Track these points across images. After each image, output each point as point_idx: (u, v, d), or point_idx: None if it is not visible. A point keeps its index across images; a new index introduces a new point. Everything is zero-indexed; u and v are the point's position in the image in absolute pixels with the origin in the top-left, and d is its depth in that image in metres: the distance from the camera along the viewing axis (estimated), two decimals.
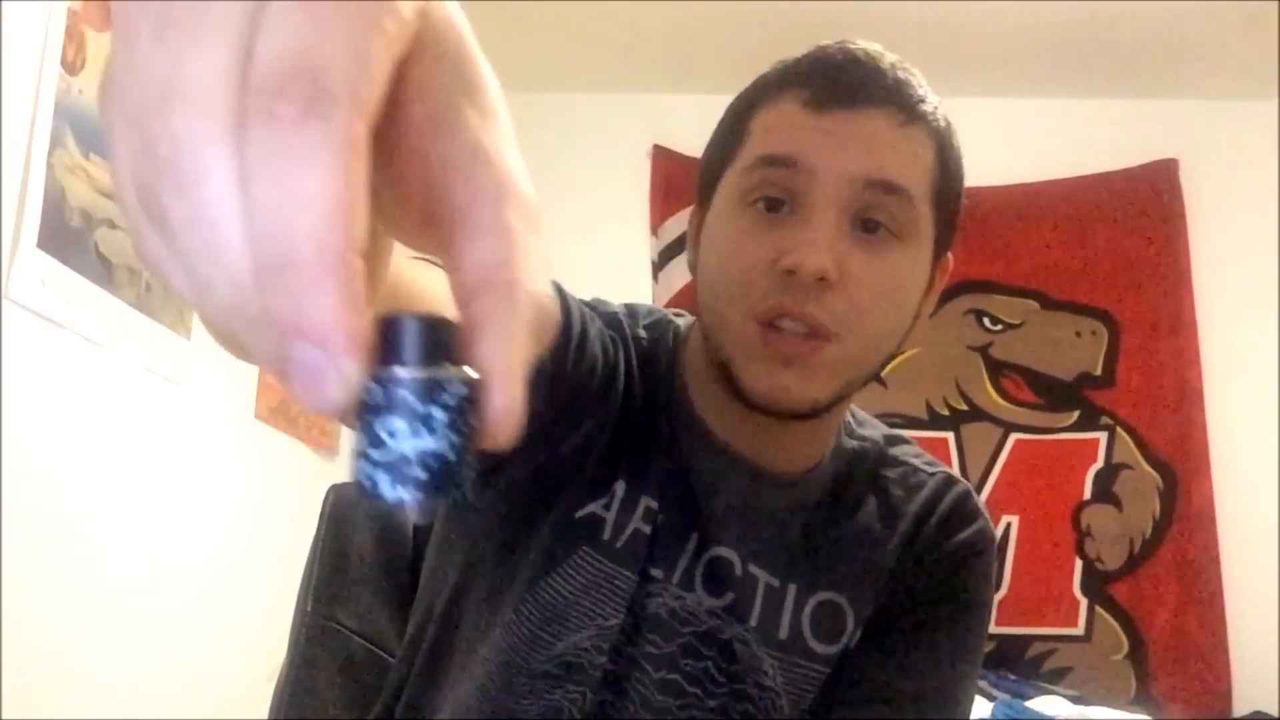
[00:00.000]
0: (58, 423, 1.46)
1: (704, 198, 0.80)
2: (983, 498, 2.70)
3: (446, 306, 0.28)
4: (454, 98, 0.28)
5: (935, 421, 2.82)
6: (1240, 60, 2.74)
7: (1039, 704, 2.31)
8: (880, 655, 0.81)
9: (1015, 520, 2.76)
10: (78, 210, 1.45)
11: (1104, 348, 2.84)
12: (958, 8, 2.57)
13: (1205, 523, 2.73)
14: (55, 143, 1.40)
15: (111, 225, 1.54)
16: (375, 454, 0.26)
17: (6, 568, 1.33)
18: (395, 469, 0.26)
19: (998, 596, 2.71)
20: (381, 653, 1.01)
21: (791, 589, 0.80)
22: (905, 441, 0.89)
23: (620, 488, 0.78)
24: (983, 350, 2.85)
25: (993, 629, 2.84)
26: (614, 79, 2.91)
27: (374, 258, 0.34)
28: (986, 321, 2.87)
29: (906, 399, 2.82)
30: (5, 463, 1.32)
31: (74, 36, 1.43)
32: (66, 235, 1.43)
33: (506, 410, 0.26)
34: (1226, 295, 2.84)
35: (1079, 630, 2.71)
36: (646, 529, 0.78)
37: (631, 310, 0.84)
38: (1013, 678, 2.53)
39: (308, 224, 0.23)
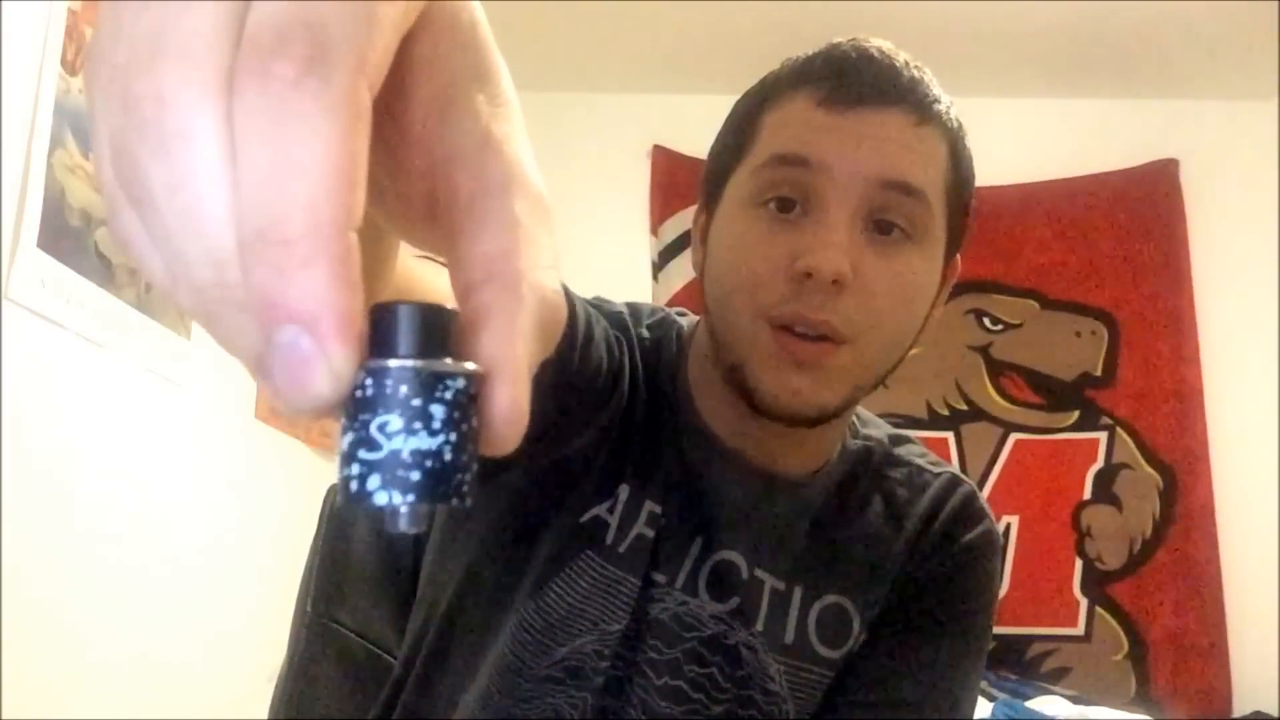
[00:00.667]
0: (58, 423, 1.46)
1: (710, 197, 0.78)
2: (982, 498, 2.75)
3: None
4: (464, 82, 0.26)
5: (935, 421, 2.82)
6: (1240, 60, 2.74)
7: (1039, 704, 2.31)
8: (885, 657, 0.81)
9: (1015, 520, 2.76)
10: (78, 210, 1.45)
11: (1104, 348, 2.84)
12: (958, 8, 2.57)
13: (1205, 523, 2.73)
14: (55, 143, 1.39)
15: None
16: (365, 454, 0.23)
17: (6, 567, 1.33)
18: (388, 471, 0.23)
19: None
20: (381, 653, 1.01)
21: (798, 592, 0.79)
22: (910, 441, 0.89)
23: (624, 491, 0.77)
24: (983, 350, 2.85)
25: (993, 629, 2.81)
26: (614, 79, 2.91)
27: (375, 253, 0.33)
28: (986, 321, 2.86)
29: (906, 399, 2.82)
30: (5, 463, 1.32)
31: (74, 36, 1.43)
32: (66, 235, 1.43)
33: (511, 409, 0.24)
34: (1226, 295, 2.84)
35: (1079, 630, 2.71)
36: (650, 533, 0.76)
37: (634, 309, 0.83)
38: (1013, 678, 2.53)
39: (301, 193, 0.21)
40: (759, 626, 0.78)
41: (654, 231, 2.91)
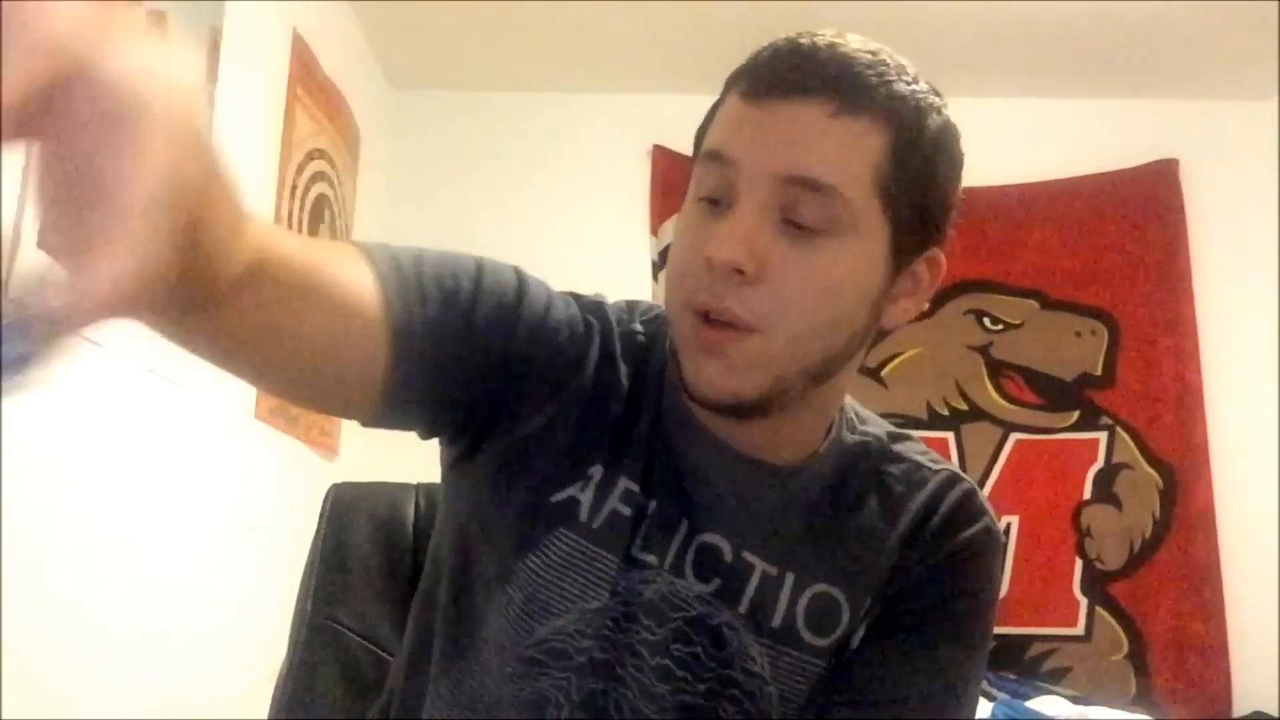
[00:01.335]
0: (58, 423, 1.46)
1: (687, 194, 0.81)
2: (983, 495, 2.74)
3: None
4: None
5: (935, 421, 2.82)
6: (1240, 60, 2.74)
7: (1039, 704, 2.31)
8: (884, 655, 0.81)
9: (1015, 520, 2.76)
10: None
11: (1104, 348, 2.84)
12: (958, 8, 2.57)
13: (1205, 523, 2.73)
14: None
15: None
16: None
17: (6, 567, 1.33)
18: None
19: None
20: (381, 652, 1.01)
21: (789, 578, 0.80)
22: (909, 438, 0.89)
23: (598, 471, 0.78)
24: (983, 350, 2.85)
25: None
26: (614, 79, 2.91)
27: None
28: (986, 321, 2.87)
29: (906, 399, 2.82)
30: (5, 463, 1.32)
31: None
32: None
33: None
34: (1226, 295, 2.84)
35: (1079, 630, 2.71)
36: (626, 510, 0.78)
37: (631, 306, 0.85)
38: (1013, 678, 2.53)
39: None
40: (742, 608, 0.79)
41: (654, 231, 2.91)
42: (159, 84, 0.37)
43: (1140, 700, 2.60)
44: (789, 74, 0.71)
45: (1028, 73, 2.85)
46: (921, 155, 0.73)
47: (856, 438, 0.85)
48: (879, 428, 0.88)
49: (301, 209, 2.35)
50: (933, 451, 0.88)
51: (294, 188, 2.30)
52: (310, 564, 1.04)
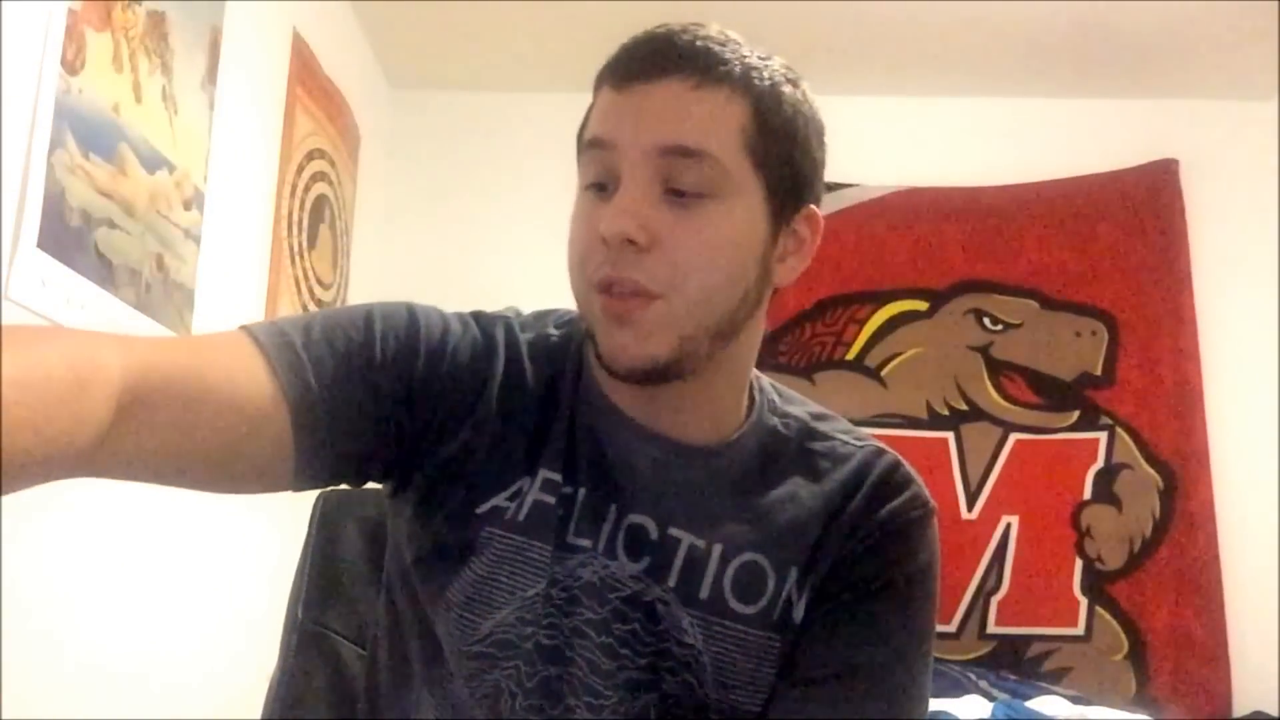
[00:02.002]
0: None
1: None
2: (983, 498, 2.76)
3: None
4: None
5: (935, 421, 2.82)
6: (1240, 60, 2.74)
7: (1039, 704, 2.31)
8: (828, 632, 0.83)
9: (1015, 520, 2.76)
10: (78, 210, 1.45)
11: (1104, 348, 2.84)
12: (958, 8, 2.57)
13: (1205, 523, 2.73)
14: (55, 143, 1.39)
15: (111, 225, 1.54)
16: None
17: (6, 568, 1.33)
18: None
19: (998, 597, 2.71)
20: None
21: (716, 549, 0.83)
22: (833, 418, 0.92)
23: (524, 481, 0.82)
24: (983, 350, 2.85)
25: (993, 629, 2.84)
26: None
27: None
28: (986, 321, 2.86)
29: (906, 399, 2.82)
30: None
31: (74, 36, 1.43)
32: (66, 235, 1.42)
33: None
34: (1226, 295, 2.84)
35: (1079, 630, 2.71)
36: (550, 499, 0.82)
37: (544, 314, 0.91)
38: (1013, 678, 2.53)
39: None
40: (671, 582, 0.82)
41: None
42: None
43: (1140, 700, 2.60)
44: (650, 58, 0.78)
45: (1028, 73, 2.85)
46: (782, 117, 0.79)
47: (778, 419, 0.89)
48: (801, 408, 0.92)
49: (301, 209, 2.35)
50: (857, 430, 0.91)
51: (294, 188, 2.30)
52: (300, 570, 1.04)
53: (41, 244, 1.37)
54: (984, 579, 2.73)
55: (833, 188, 2.87)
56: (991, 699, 2.32)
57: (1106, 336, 2.84)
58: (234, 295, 2.02)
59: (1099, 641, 2.70)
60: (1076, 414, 2.81)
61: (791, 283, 0.85)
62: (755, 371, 0.90)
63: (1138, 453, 2.78)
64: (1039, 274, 2.87)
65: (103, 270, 1.52)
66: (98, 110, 1.50)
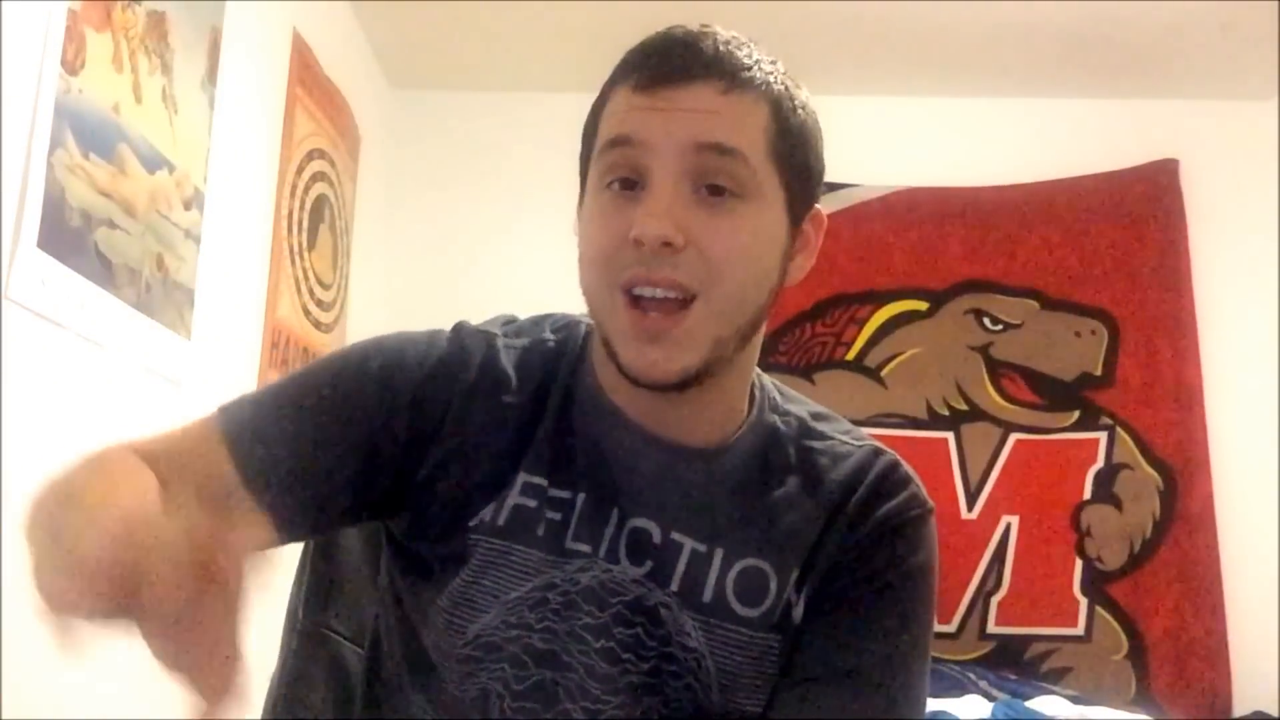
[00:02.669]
0: (58, 423, 1.46)
1: (581, 187, 0.86)
2: (983, 498, 2.76)
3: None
4: None
5: (935, 421, 2.82)
6: (1240, 60, 2.74)
7: (1039, 704, 2.31)
8: (826, 633, 0.83)
9: (1015, 520, 2.76)
10: (78, 210, 1.45)
11: (1104, 348, 2.84)
12: (958, 8, 2.57)
13: (1205, 523, 2.73)
14: (55, 143, 1.39)
15: (111, 225, 1.54)
16: None
17: (6, 568, 1.33)
18: None
19: (998, 597, 2.71)
20: None
21: (718, 553, 0.83)
22: (832, 418, 0.92)
23: (499, 479, 0.83)
24: (983, 350, 2.85)
25: (993, 629, 2.83)
26: None
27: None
28: (986, 321, 2.86)
29: (906, 399, 2.82)
30: (5, 463, 1.32)
31: (74, 36, 1.43)
32: (66, 235, 1.43)
33: None
34: (1226, 295, 2.84)
35: (1079, 630, 2.71)
36: (531, 503, 0.83)
37: (541, 319, 0.91)
38: (1013, 678, 2.52)
39: None
40: (674, 586, 0.82)
41: None
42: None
43: (1140, 700, 2.60)
44: (677, 63, 0.79)
45: (1028, 73, 2.85)
46: (798, 120, 0.82)
47: (777, 417, 0.89)
48: (801, 407, 0.92)
49: (301, 209, 2.35)
50: (857, 430, 0.92)
51: (294, 188, 2.30)
52: (301, 571, 1.04)
53: (41, 244, 1.37)
54: (984, 579, 2.73)
55: (833, 188, 2.86)
56: (991, 699, 2.32)
57: (1106, 336, 2.84)
58: (234, 295, 2.02)
59: (1099, 641, 2.70)
60: (1076, 414, 2.81)
61: (797, 282, 0.86)
62: (756, 369, 0.90)
63: (1138, 453, 2.78)
64: (1039, 274, 2.87)
65: (103, 270, 1.52)
66: (98, 110, 1.50)
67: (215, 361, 1.93)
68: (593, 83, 0.87)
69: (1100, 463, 2.79)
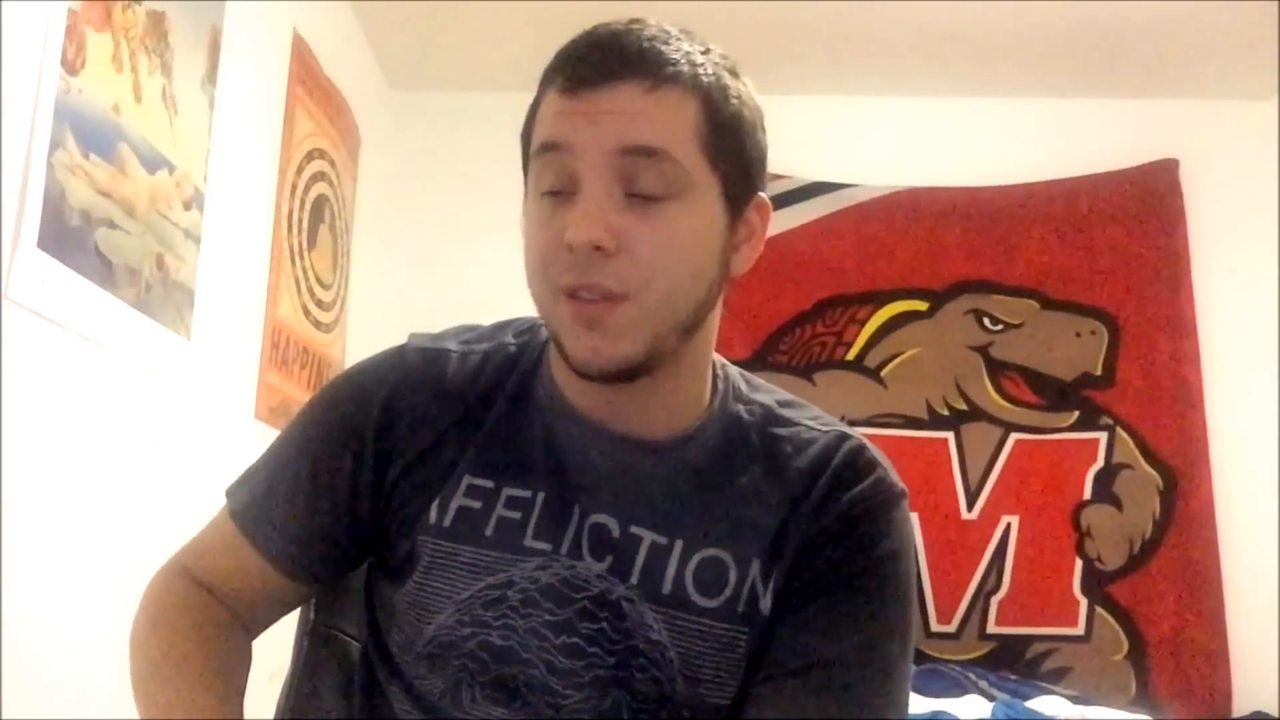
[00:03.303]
0: (58, 423, 1.46)
1: (525, 193, 0.88)
2: (983, 498, 2.76)
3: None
4: None
5: (935, 421, 2.82)
6: (1240, 60, 2.74)
7: (1039, 704, 2.31)
8: (797, 624, 0.82)
9: (1015, 520, 2.76)
10: (78, 210, 1.45)
11: (1104, 348, 2.84)
12: (957, 8, 2.57)
13: (1205, 523, 2.73)
14: (55, 143, 1.39)
15: (111, 225, 1.54)
16: None
17: (6, 568, 1.33)
18: None
19: (998, 597, 2.71)
20: None
21: (678, 545, 0.84)
22: (800, 405, 0.92)
23: (444, 482, 0.86)
24: (983, 350, 2.85)
25: (993, 629, 2.83)
26: None
27: None
28: (986, 321, 2.86)
29: (906, 399, 2.82)
30: (5, 463, 1.32)
31: (74, 36, 1.43)
32: (66, 235, 1.43)
33: None
34: (1226, 295, 2.84)
35: (1079, 630, 2.71)
36: (475, 505, 0.85)
37: (504, 324, 0.94)
38: (1013, 678, 2.52)
39: None
40: (634, 580, 0.83)
41: None
42: None
43: (1140, 700, 2.60)
44: (602, 63, 0.79)
45: (1028, 73, 2.85)
46: (732, 113, 0.81)
47: (741, 406, 0.89)
48: (769, 395, 0.92)
49: (301, 209, 2.35)
50: (825, 415, 0.91)
51: (294, 188, 2.30)
52: None
53: (41, 244, 1.37)
54: (984, 579, 2.73)
55: (833, 188, 2.86)
56: (991, 699, 2.32)
57: (1106, 336, 2.84)
58: (234, 295, 2.02)
59: (1099, 641, 2.70)
60: (1076, 414, 2.81)
61: (745, 271, 0.86)
62: (721, 359, 0.91)
63: (1138, 453, 2.78)
64: (1039, 274, 2.87)
65: (103, 270, 1.52)
66: (98, 110, 1.50)
67: (215, 361, 1.93)
68: None
69: (1100, 463, 2.79)
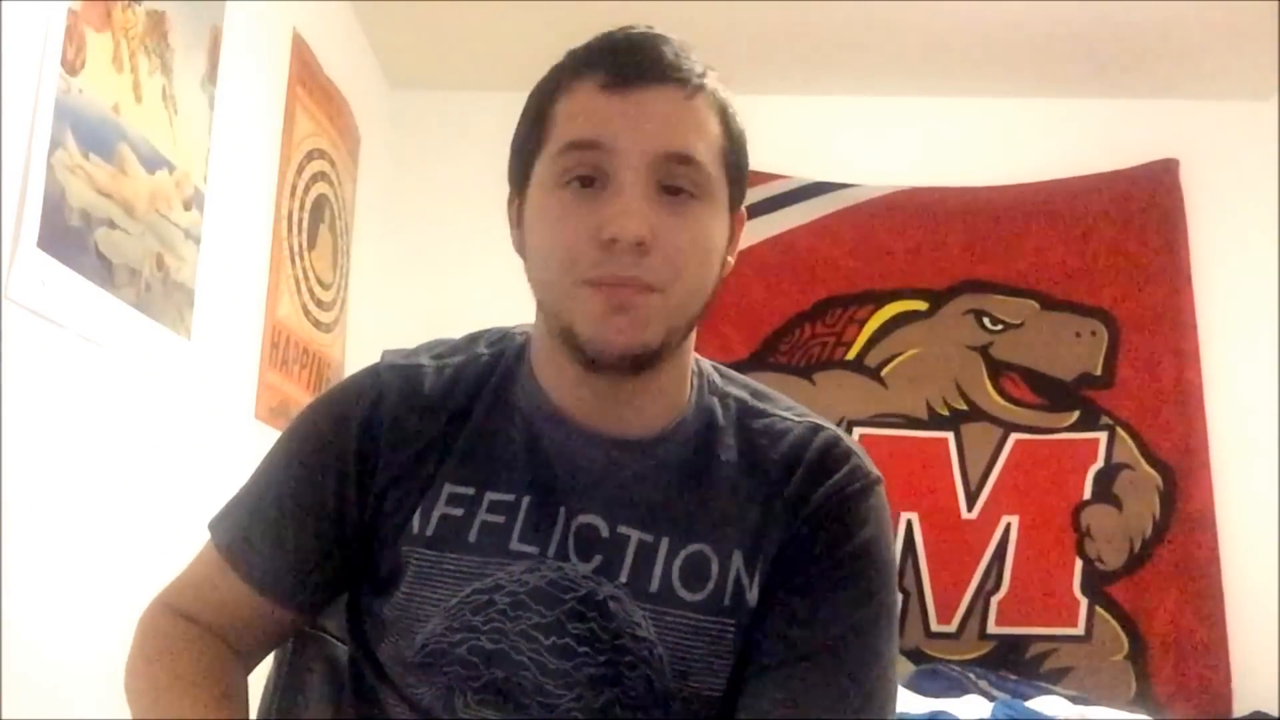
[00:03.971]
0: (58, 423, 1.46)
1: (519, 184, 0.88)
2: (983, 498, 2.76)
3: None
4: None
5: (935, 421, 2.82)
6: (1240, 60, 2.74)
7: (1039, 704, 2.30)
8: (782, 615, 0.84)
9: (1015, 520, 2.76)
10: (78, 210, 1.45)
11: (1104, 348, 2.84)
12: (957, 8, 2.57)
13: (1205, 523, 2.73)
14: (55, 143, 1.39)
15: (111, 225, 1.54)
16: None
17: (6, 568, 1.33)
18: None
19: (998, 597, 2.71)
20: None
21: (664, 542, 0.85)
22: (774, 396, 0.94)
23: (424, 492, 0.87)
24: (983, 350, 2.85)
25: (993, 629, 2.83)
26: None
27: None
28: (986, 321, 2.86)
29: (906, 399, 2.82)
30: (5, 463, 1.32)
31: (74, 36, 1.43)
32: (66, 235, 1.43)
33: None
34: (1226, 295, 2.84)
35: (1079, 630, 2.71)
36: (457, 512, 0.86)
37: (476, 336, 0.96)
38: (1013, 678, 2.52)
39: None
40: (623, 579, 0.84)
41: None
42: None
43: (1140, 700, 2.60)
44: (646, 64, 0.82)
45: (1028, 73, 2.85)
46: (738, 129, 0.86)
47: (717, 400, 0.91)
48: (742, 388, 0.94)
49: (301, 209, 2.35)
50: (800, 406, 0.93)
51: (294, 188, 2.30)
52: None
53: (41, 244, 1.37)
54: (984, 579, 2.73)
55: (833, 188, 2.86)
56: (991, 699, 2.32)
57: (1106, 336, 2.84)
58: (234, 295, 2.02)
59: (1099, 641, 2.70)
60: (1076, 414, 2.81)
61: (724, 276, 0.90)
62: (695, 355, 0.92)
63: (1138, 453, 2.78)
64: (1039, 274, 2.87)
65: (103, 270, 1.52)
66: (98, 110, 1.50)
67: (215, 361, 1.93)
68: None
69: (1100, 463, 2.79)
